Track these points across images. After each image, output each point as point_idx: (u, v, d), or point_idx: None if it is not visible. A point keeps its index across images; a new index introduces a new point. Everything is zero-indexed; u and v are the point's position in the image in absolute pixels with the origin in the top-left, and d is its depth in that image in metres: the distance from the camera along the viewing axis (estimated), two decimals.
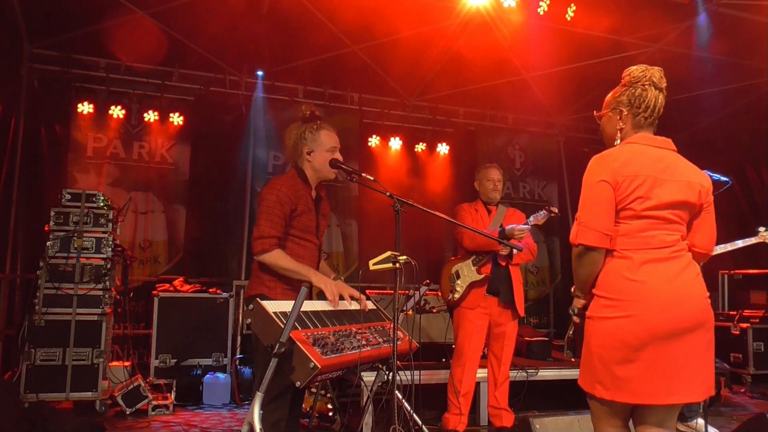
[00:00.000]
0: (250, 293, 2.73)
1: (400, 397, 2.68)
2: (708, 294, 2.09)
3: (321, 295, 2.71)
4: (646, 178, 2.02)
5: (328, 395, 4.47)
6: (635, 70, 2.17)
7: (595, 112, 2.33)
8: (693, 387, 1.99)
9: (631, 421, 2.16)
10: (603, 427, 2.12)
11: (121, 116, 6.71)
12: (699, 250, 2.17)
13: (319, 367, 2.12)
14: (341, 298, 2.71)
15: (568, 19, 5.64)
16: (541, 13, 5.54)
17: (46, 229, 4.70)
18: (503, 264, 4.07)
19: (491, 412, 4.20)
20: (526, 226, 3.90)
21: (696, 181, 2.11)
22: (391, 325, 2.62)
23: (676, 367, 1.96)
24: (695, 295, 2.03)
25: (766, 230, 4.08)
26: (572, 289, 2.23)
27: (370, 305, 2.85)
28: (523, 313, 4.14)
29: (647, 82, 2.13)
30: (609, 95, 2.25)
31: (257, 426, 2.17)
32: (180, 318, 5.30)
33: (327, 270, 2.97)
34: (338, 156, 2.83)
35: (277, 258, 2.62)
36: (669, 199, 2.04)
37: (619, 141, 2.18)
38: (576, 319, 2.22)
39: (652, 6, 5.74)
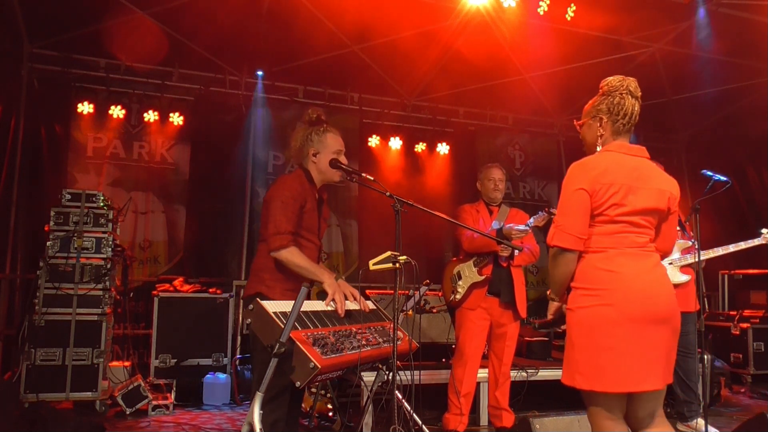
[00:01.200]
0: (248, 292, 2.73)
1: (400, 397, 2.68)
2: (674, 291, 2.23)
3: (320, 295, 2.71)
4: (621, 186, 2.16)
5: (328, 395, 4.47)
6: (613, 80, 2.31)
7: (575, 120, 2.45)
8: (660, 375, 2.13)
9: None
10: (600, 419, 2.18)
11: (121, 116, 6.71)
12: (659, 251, 2.30)
13: (319, 367, 2.12)
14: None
15: (568, 19, 5.65)
16: (541, 13, 5.54)
17: (46, 229, 4.70)
18: (504, 265, 4.07)
19: (491, 412, 4.20)
20: (525, 227, 3.90)
21: (666, 189, 2.25)
22: (391, 325, 2.62)
23: (650, 355, 2.10)
24: (666, 291, 2.18)
25: None
26: (548, 292, 2.38)
27: (369, 305, 2.85)
28: (525, 314, 4.13)
29: (624, 91, 2.27)
30: (587, 104, 2.38)
31: (257, 426, 2.17)
32: (180, 318, 5.29)
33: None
34: (343, 159, 2.85)
35: (293, 255, 2.63)
36: (641, 206, 2.18)
37: (600, 147, 2.30)
38: (550, 318, 2.40)
39: (651, 6, 5.75)
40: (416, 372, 2.71)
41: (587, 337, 2.12)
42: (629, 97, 2.26)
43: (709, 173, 3.70)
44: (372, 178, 2.76)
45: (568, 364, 2.18)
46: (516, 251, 3.90)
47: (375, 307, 2.91)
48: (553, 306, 2.41)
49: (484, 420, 4.46)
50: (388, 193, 2.67)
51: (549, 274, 2.29)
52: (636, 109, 2.27)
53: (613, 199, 2.15)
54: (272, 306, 2.34)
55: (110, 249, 4.79)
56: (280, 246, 2.61)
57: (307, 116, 2.90)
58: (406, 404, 2.84)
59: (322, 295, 2.69)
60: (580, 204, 2.16)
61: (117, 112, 6.68)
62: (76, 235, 4.68)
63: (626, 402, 2.18)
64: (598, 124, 2.30)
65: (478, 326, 4.05)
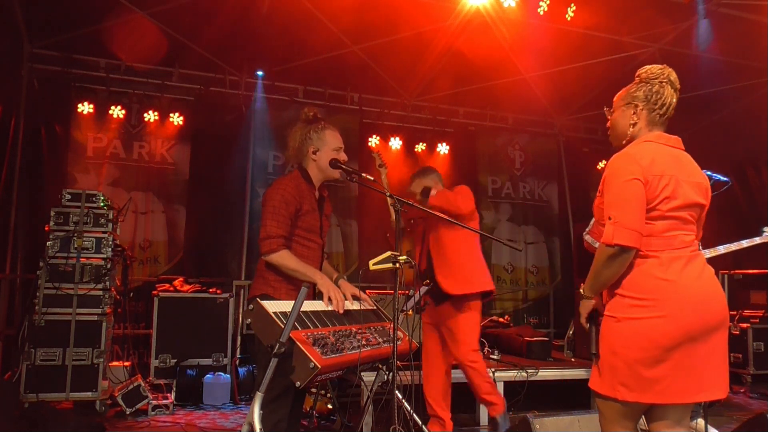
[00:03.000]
0: (253, 293, 2.72)
1: (400, 397, 2.68)
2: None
3: (321, 294, 2.71)
4: (671, 177, 2.02)
5: (328, 395, 4.47)
6: (653, 67, 2.17)
7: (605, 108, 2.29)
8: (718, 384, 2.01)
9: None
10: (614, 429, 2.09)
11: (121, 116, 6.72)
12: None
13: (319, 367, 2.12)
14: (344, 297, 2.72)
15: (568, 19, 5.65)
16: (541, 13, 5.55)
17: (46, 229, 4.70)
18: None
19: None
20: None
21: (703, 183, 2.13)
22: (391, 325, 2.62)
23: (702, 365, 1.97)
24: (718, 293, 2.05)
25: None
26: (581, 290, 2.17)
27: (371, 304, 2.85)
28: (452, 312, 3.89)
29: (665, 80, 2.13)
30: (621, 91, 2.23)
31: (257, 426, 2.17)
32: (180, 318, 5.29)
33: (330, 270, 2.97)
34: (343, 156, 2.84)
35: (284, 258, 2.63)
36: (689, 200, 2.05)
37: (630, 136, 2.17)
38: (585, 323, 2.20)
39: (652, 6, 5.75)
40: (416, 372, 2.71)
41: (638, 351, 1.97)
42: (669, 86, 2.12)
43: (709, 173, 3.69)
44: (372, 178, 2.76)
45: (610, 374, 2.03)
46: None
47: (375, 307, 2.91)
48: (588, 305, 2.17)
49: (483, 420, 4.46)
50: (388, 193, 2.66)
51: (594, 273, 2.07)
52: (674, 101, 2.13)
53: (665, 191, 2.00)
54: (272, 306, 2.33)
55: (110, 249, 4.79)
56: (270, 250, 2.62)
57: (304, 115, 2.89)
58: (406, 404, 2.84)
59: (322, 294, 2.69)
60: (637, 195, 1.97)
61: (117, 112, 6.69)
62: (76, 235, 4.68)
63: (655, 407, 2.07)
64: (632, 112, 2.15)
65: (425, 327, 4.06)
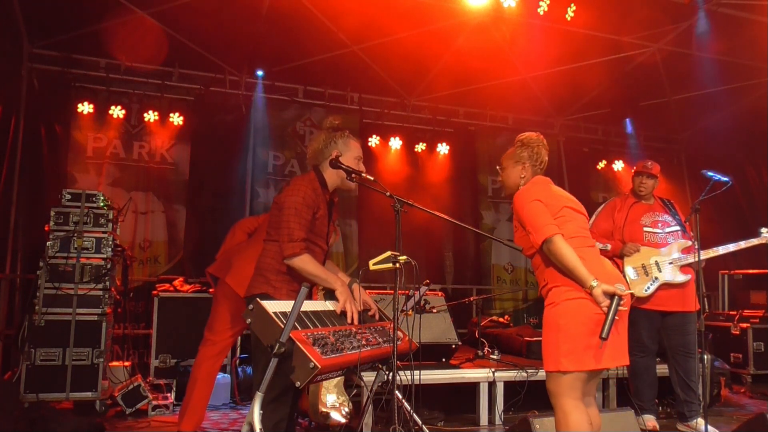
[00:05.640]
0: (253, 291, 2.71)
1: (400, 397, 2.68)
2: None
3: (328, 294, 2.72)
4: (559, 196, 2.68)
5: None
6: (531, 134, 2.84)
7: (497, 166, 2.92)
8: (626, 352, 2.53)
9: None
10: (565, 401, 2.44)
11: (121, 116, 6.72)
12: None
13: (319, 367, 2.12)
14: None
15: (568, 19, 5.65)
16: (541, 13, 5.55)
17: (46, 229, 4.70)
18: None
19: None
20: None
21: (578, 204, 2.77)
22: (391, 325, 2.62)
23: (618, 335, 2.47)
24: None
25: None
26: (589, 288, 2.41)
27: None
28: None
29: (540, 143, 2.81)
30: (509, 152, 2.87)
31: (257, 426, 2.17)
32: (180, 318, 5.28)
33: (334, 269, 2.97)
34: (362, 166, 2.92)
35: (306, 263, 2.64)
36: (580, 211, 2.70)
37: (520, 185, 2.76)
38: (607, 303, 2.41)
39: (652, 6, 5.76)
40: (416, 372, 2.71)
41: (577, 324, 2.41)
42: (543, 149, 2.80)
43: (709, 173, 3.70)
44: (372, 178, 2.77)
45: (553, 352, 2.45)
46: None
47: (379, 317, 2.91)
48: (600, 287, 2.39)
49: (483, 420, 4.45)
50: (388, 193, 2.67)
51: (570, 267, 2.43)
52: (547, 158, 2.82)
53: (561, 202, 2.64)
54: (272, 306, 2.33)
55: (110, 249, 4.79)
56: (293, 254, 2.63)
57: (329, 123, 2.95)
58: (406, 404, 2.84)
59: (330, 294, 2.70)
60: (541, 207, 2.59)
61: (117, 112, 6.69)
62: (76, 235, 4.68)
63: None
64: (521, 168, 2.78)
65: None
